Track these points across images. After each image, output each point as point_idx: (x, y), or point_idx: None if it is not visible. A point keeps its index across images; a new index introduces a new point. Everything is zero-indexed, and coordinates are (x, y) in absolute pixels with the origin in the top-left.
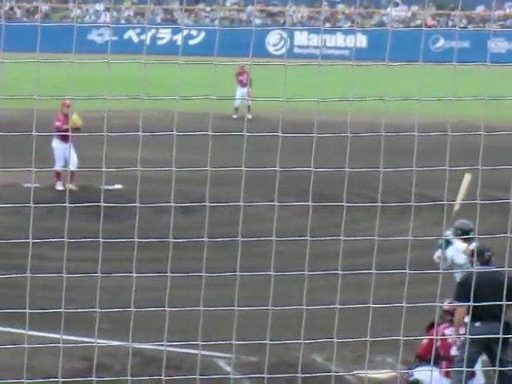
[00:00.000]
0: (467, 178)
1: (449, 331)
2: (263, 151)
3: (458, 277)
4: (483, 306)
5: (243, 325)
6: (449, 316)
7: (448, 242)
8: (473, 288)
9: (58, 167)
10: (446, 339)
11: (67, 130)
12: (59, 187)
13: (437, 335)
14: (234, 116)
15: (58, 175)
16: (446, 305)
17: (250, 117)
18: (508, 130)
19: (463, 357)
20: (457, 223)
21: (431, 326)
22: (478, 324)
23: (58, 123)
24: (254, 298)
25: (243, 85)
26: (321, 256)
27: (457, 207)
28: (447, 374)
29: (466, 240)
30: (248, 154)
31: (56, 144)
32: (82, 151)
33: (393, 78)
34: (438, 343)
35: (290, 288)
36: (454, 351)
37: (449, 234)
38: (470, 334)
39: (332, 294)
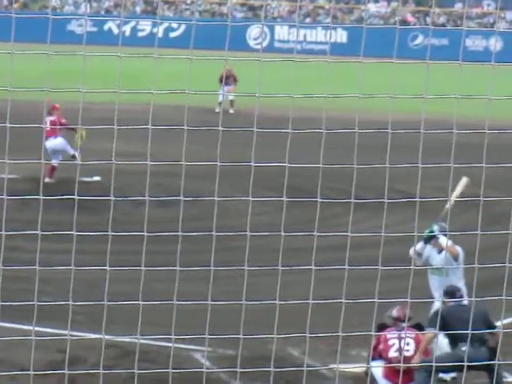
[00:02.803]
0: (464, 181)
1: (390, 334)
2: (247, 146)
3: (429, 276)
4: (468, 332)
5: (221, 319)
6: (398, 322)
7: (434, 236)
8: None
9: (54, 161)
10: (387, 342)
11: (47, 129)
12: (47, 180)
13: (380, 338)
14: (217, 110)
15: (53, 169)
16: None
17: (232, 111)
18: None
19: (431, 369)
20: (443, 224)
21: (379, 328)
22: (464, 348)
23: (62, 123)
24: (231, 292)
25: (228, 84)
26: (299, 250)
27: (448, 206)
28: (386, 375)
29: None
30: (230, 148)
31: (52, 142)
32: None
33: (370, 74)
34: (381, 346)
35: (268, 282)
36: (392, 353)
37: (435, 228)
38: (456, 357)
39: (314, 288)
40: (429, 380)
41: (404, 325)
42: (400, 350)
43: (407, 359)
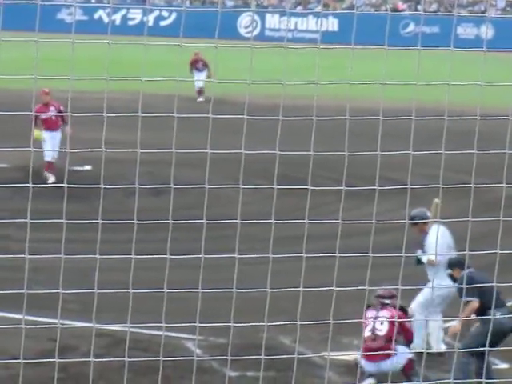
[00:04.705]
0: (435, 202)
1: (369, 313)
2: (237, 134)
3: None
4: (497, 297)
5: (212, 307)
6: (381, 299)
7: (419, 261)
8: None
9: (48, 158)
10: (364, 323)
11: (52, 119)
12: (50, 180)
13: (364, 318)
14: (200, 99)
15: (50, 166)
16: (394, 287)
17: (201, 99)
18: (473, 114)
19: (468, 354)
20: (415, 211)
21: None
22: (498, 314)
23: (44, 116)
24: (222, 280)
25: (199, 70)
26: (291, 238)
27: (437, 201)
28: (365, 356)
29: (424, 225)
30: (221, 136)
31: (45, 135)
32: None
33: (361, 61)
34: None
35: (260, 270)
36: (366, 332)
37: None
38: (495, 325)
39: (305, 276)
40: (467, 366)
41: (387, 301)
42: (373, 329)
43: (379, 338)
